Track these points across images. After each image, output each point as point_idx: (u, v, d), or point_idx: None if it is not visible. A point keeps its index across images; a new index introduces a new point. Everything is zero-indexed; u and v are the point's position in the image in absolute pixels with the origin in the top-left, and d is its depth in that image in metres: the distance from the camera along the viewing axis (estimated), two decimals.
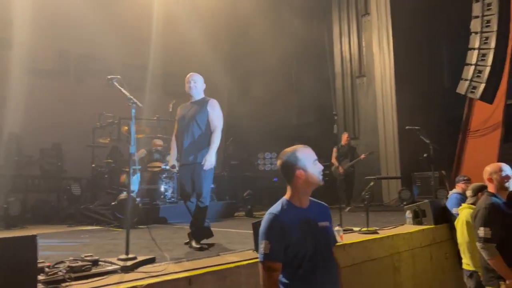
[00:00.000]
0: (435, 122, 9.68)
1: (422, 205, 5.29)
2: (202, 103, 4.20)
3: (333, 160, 8.31)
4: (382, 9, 10.29)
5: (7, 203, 6.15)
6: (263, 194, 9.13)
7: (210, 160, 4.02)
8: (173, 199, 7.20)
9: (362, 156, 8.31)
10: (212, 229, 4.18)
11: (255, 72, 11.54)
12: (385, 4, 10.24)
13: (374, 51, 10.48)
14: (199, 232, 3.98)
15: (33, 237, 2.14)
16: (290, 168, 2.15)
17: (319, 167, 2.17)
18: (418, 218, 5.27)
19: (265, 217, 2.10)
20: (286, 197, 2.18)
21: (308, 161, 2.15)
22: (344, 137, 8.55)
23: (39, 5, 8.12)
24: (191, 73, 4.24)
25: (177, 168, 4.24)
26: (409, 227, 5.06)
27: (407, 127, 7.28)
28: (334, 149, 8.28)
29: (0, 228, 6.00)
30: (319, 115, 11.19)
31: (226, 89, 12.48)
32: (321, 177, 2.17)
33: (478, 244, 3.15)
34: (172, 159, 4.25)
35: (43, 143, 7.91)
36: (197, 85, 4.20)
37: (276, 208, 2.11)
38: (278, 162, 2.21)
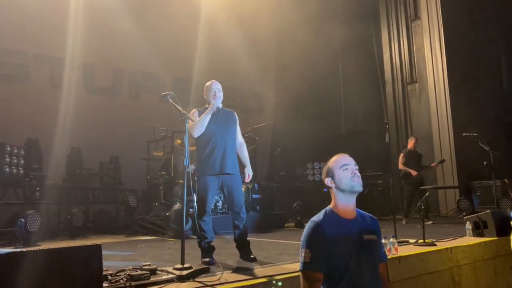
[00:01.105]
0: (494, 127, 9.16)
1: (483, 215, 5.01)
2: (228, 113, 4.13)
3: (401, 166, 7.70)
4: (433, 13, 9.97)
5: (71, 214, 6.51)
6: (313, 204, 9.03)
7: (251, 172, 4.11)
8: (224, 209, 7.32)
9: (434, 164, 7.78)
10: (263, 240, 4.19)
11: (302, 81, 11.55)
12: (436, 7, 9.92)
13: (426, 56, 10.15)
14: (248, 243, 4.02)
15: (98, 247, 2.28)
16: (324, 177, 2.17)
17: (349, 171, 2.10)
18: (479, 229, 5.00)
19: (307, 225, 2.06)
20: (330, 206, 2.14)
21: (336, 167, 2.12)
22: (412, 142, 7.95)
23: (93, 27, 8.67)
24: (213, 81, 4.13)
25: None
26: (470, 239, 4.80)
27: (464, 134, 6.96)
28: (401, 155, 7.79)
29: (65, 238, 6.37)
30: (369, 123, 10.96)
31: (273, 99, 12.60)
32: (353, 183, 2.08)
33: None
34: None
35: (102, 157, 8.35)
36: (221, 94, 4.09)
37: (318, 216, 2.07)
38: None
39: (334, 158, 2.19)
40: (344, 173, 2.10)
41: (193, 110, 4.04)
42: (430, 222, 7.07)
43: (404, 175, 7.67)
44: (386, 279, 2.21)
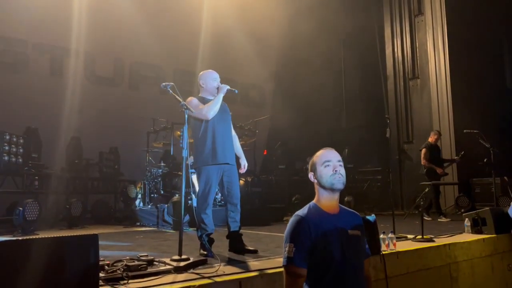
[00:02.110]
0: (496, 125, 9.13)
1: (482, 212, 5.01)
2: (224, 104, 4.01)
3: (424, 162, 7.52)
4: (437, 8, 9.90)
5: (69, 203, 6.51)
6: (311, 198, 9.02)
7: (246, 163, 4.10)
8: (222, 202, 7.31)
9: (457, 158, 7.71)
10: (261, 233, 4.19)
11: (302, 75, 11.52)
12: (440, 3, 9.85)
13: (428, 52, 10.11)
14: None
15: (95, 236, 2.27)
16: (308, 172, 2.14)
17: (329, 169, 2.05)
18: (477, 226, 4.99)
19: (291, 220, 2.02)
20: (314, 201, 2.11)
21: (318, 163, 2.09)
22: (435, 136, 7.74)
23: (95, 16, 8.61)
24: (210, 70, 4.04)
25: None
26: (468, 236, 4.80)
27: (465, 131, 6.93)
28: (424, 150, 7.55)
29: (63, 227, 6.38)
30: (370, 118, 10.92)
31: (273, 93, 12.58)
32: (333, 180, 2.03)
33: None
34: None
35: (102, 147, 8.33)
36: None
37: (302, 211, 2.04)
38: None
39: (318, 153, 2.15)
40: (325, 170, 2.06)
41: (190, 98, 3.89)
42: (430, 219, 7.07)
43: (429, 172, 7.50)
44: (369, 275, 2.19)
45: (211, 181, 3.81)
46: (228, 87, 3.89)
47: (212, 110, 3.77)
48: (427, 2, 10.21)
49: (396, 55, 10.95)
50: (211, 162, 3.79)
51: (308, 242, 1.91)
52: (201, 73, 4.06)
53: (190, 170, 6.73)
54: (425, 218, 7.03)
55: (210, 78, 3.97)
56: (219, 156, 3.79)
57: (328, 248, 1.93)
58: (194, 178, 6.63)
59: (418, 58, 10.45)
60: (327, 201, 2.07)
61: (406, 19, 10.77)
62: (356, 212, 2.19)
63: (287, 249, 1.93)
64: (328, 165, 2.07)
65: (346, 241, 1.99)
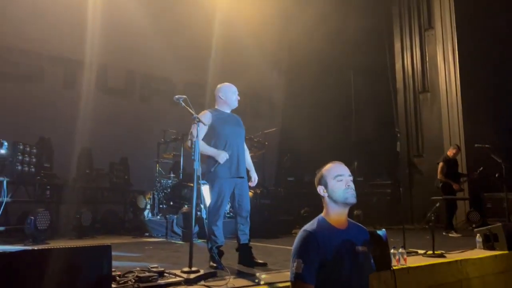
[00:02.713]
0: (508, 139, 9.04)
1: (494, 228, 4.94)
2: (237, 118, 4.10)
3: (440, 176, 7.46)
4: (447, 22, 9.93)
5: (80, 213, 6.55)
6: (320, 211, 8.98)
7: (256, 177, 4.10)
8: (231, 214, 7.31)
9: (475, 173, 7.59)
10: (270, 246, 4.18)
11: (312, 88, 11.56)
12: (450, 17, 9.88)
13: (438, 65, 10.10)
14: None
15: (108, 247, 2.30)
16: (317, 185, 2.11)
17: (343, 183, 2.04)
18: (489, 242, 4.92)
19: (300, 234, 1.99)
20: (322, 215, 2.08)
21: (329, 176, 2.07)
22: (454, 151, 7.67)
23: (108, 29, 8.75)
24: (230, 83, 4.09)
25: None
26: (480, 252, 4.74)
27: (476, 145, 6.87)
28: (441, 164, 7.49)
29: (73, 237, 6.40)
30: (380, 132, 10.89)
31: (282, 105, 12.62)
32: (347, 194, 2.02)
33: None
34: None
35: (112, 157, 8.41)
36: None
37: (311, 225, 2.01)
38: None
39: (328, 166, 2.13)
40: (337, 184, 2.04)
41: (204, 112, 3.93)
42: (459, 235, 6.93)
43: (444, 186, 7.44)
44: None
45: (223, 194, 3.82)
46: (226, 159, 3.78)
47: (189, 144, 3.67)
48: (437, 16, 10.24)
49: (406, 68, 10.96)
50: (225, 175, 3.82)
51: (317, 258, 1.89)
52: (220, 85, 4.10)
53: (201, 181, 6.77)
54: (451, 235, 6.96)
55: (230, 92, 4.03)
56: (233, 170, 3.84)
57: (337, 264, 1.91)
58: (204, 189, 6.66)
59: (428, 71, 10.44)
60: (337, 215, 2.05)
61: (416, 32, 10.80)
62: (363, 227, 2.18)
63: (295, 264, 1.90)
64: (340, 180, 2.06)
65: (355, 257, 1.97)
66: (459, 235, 6.91)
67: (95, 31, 8.65)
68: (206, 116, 3.85)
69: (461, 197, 8.36)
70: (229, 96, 4.00)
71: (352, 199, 2.04)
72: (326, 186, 2.07)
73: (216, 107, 4.06)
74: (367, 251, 2.06)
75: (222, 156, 3.78)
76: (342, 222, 2.05)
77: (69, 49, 8.79)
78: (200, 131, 3.44)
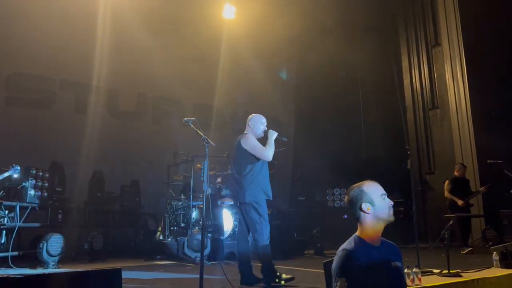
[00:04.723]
0: None
1: (511, 246, 4.83)
2: None
3: (446, 194, 7.73)
4: (454, 39, 9.93)
5: (92, 237, 6.57)
6: (333, 231, 8.88)
7: None
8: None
9: (482, 189, 7.69)
10: (281, 267, 4.15)
11: (321, 107, 11.59)
12: (456, 33, 9.89)
13: (447, 82, 10.07)
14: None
15: (118, 270, 2.30)
16: (357, 204, 2.13)
17: (388, 201, 2.12)
18: (506, 260, 4.80)
19: (339, 254, 2.03)
20: (357, 233, 2.12)
21: (375, 195, 2.12)
22: (457, 168, 7.94)
23: (118, 54, 8.93)
24: (262, 115, 4.52)
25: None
26: (497, 271, 4.62)
27: (488, 161, 6.80)
28: (447, 182, 7.74)
29: (84, 261, 6.41)
30: (390, 149, 10.83)
31: (292, 125, 12.65)
32: (391, 212, 2.11)
33: None
34: None
35: (124, 180, 8.46)
36: None
37: (349, 244, 2.05)
38: (346, 198, 2.20)
39: (370, 184, 2.18)
40: (384, 202, 2.12)
41: (247, 136, 4.31)
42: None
43: (451, 204, 7.59)
44: None
45: (267, 214, 4.15)
46: (277, 134, 4.35)
47: (272, 153, 4.28)
48: (443, 33, 10.26)
49: (414, 85, 10.96)
50: (266, 197, 4.20)
51: (359, 275, 1.93)
52: (252, 115, 4.49)
53: (226, 202, 6.85)
54: (462, 251, 6.86)
55: (259, 122, 4.43)
56: (269, 193, 4.24)
57: (376, 281, 1.95)
58: (224, 212, 6.67)
59: (437, 88, 10.41)
60: (375, 232, 2.12)
61: (423, 50, 10.83)
62: (393, 243, 2.21)
63: (338, 284, 1.94)
64: (385, 198, 2.15)
65: (392, 273, 2.03)
66: (470, 248, 6.80)
67: (105, 56, 8.83)
68: (253, 140, 4.33)
69: (475, 214, 8.20)
70: (257, 126, 4.41)
71: (393, 217, 2.16)
72: (372, 203, 2.12)
73: (245, 132, 4.39)
74: (401, 266, 2.11)
75: (272, 133, 4.36)
76: (377, 239, 2.12)
77: (80, 74, 8.96)
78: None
